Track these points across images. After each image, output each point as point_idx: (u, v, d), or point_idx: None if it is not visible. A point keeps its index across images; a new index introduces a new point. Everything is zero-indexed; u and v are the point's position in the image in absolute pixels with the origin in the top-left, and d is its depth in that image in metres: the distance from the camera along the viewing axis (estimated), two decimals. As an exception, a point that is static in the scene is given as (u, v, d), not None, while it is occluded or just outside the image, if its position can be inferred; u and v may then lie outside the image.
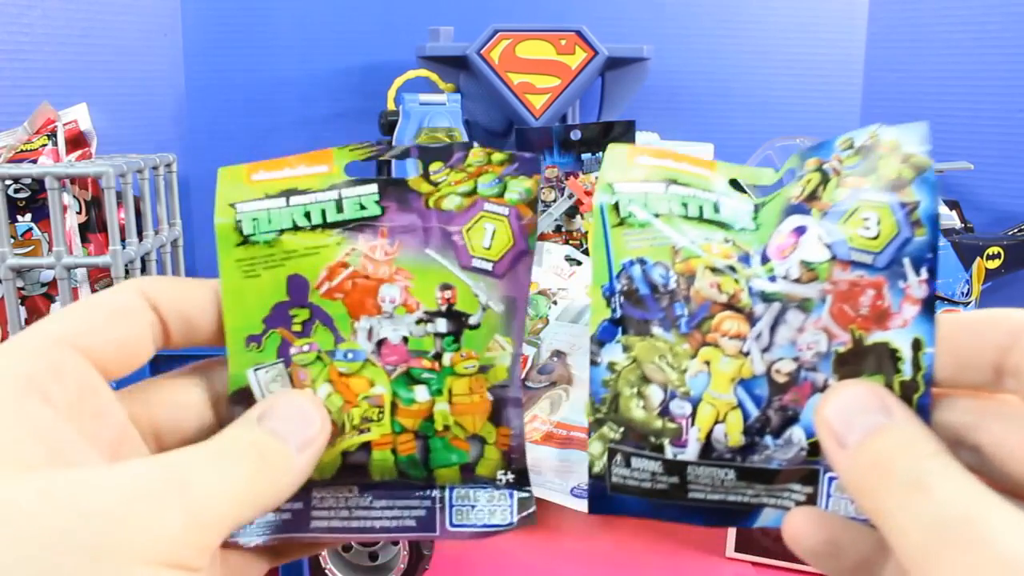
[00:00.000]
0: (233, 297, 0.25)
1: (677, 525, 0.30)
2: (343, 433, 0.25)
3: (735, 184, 0.26)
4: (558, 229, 0.92)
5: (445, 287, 0.25)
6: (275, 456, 0.22)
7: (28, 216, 0.66)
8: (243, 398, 0.25)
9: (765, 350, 0.24)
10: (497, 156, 0.26)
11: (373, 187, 0.25)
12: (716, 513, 0.25)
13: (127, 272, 0.62)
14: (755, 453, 0.24)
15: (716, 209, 0.25)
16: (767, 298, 0.24)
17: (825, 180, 0.24)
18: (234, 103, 1.06)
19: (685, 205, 0.25)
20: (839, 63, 1.09)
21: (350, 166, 0.26)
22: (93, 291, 0.67)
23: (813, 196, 0.24)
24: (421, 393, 0.25)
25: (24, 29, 0.86)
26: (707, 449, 0.24)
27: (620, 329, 0.25)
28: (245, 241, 0.25)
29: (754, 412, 0.24)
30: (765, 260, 0.24)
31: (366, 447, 0.25)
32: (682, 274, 0.25)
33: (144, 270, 0.66)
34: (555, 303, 0.76)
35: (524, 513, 0.26)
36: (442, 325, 0.25)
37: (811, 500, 0.24)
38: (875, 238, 0.23)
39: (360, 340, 0.25)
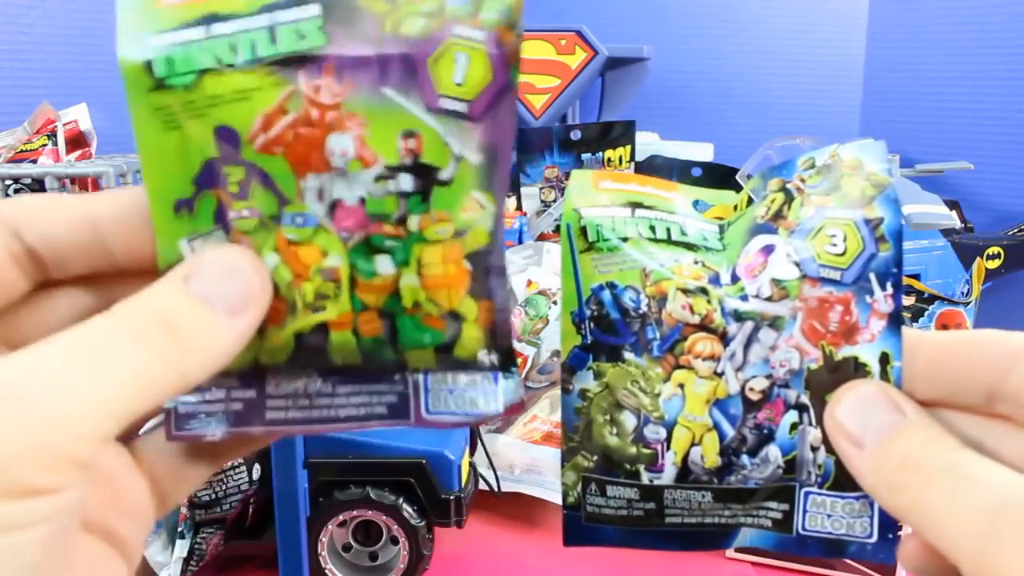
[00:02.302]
0: (152, 155, 0.21)
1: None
2: (294, 312, 0.21)
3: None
4: (558, 229, 0.92)
5: (408, 134, 0.21)
6: (193, 326, 0.19)
7: (28, 216, 0.66)
8: None
9: (739, 369, 0.24)
10: None
11: (315, 8, 0.20)
12: (693, 537, 0.25)
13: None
14: (732, 474, 0.24)
15: (683, 231, 0.25)
16: (740, 317, 0.24)
17: (789, 199, 0.24)
18: (234, 103, 1.06)
19: (652, 228, 0.25)
20: (839, 63, 1.09)
21: None
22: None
23: (779, 215, 0.24)
24: (384, 264, 0.21)
25: (24, 29, 0.86)
26: (684, 473, 0.24)
27: (591, 356, 0.25)
28: (160, 86, 0.20)
29: (730, 432, 0.24)
30: (735, 280, 0.24)
31: (323, 328, 0.21)
32: (653, 297, 0.24)
33: (144, 270, 0.66)
34: (555, 303, 0.76)
35: (510, 398, 0.23)
36: (406, 182, 0.21)
37: (787, 516, 0.24)
38: (842, 254, 0.23)
39: (309, 202, 0.21)
